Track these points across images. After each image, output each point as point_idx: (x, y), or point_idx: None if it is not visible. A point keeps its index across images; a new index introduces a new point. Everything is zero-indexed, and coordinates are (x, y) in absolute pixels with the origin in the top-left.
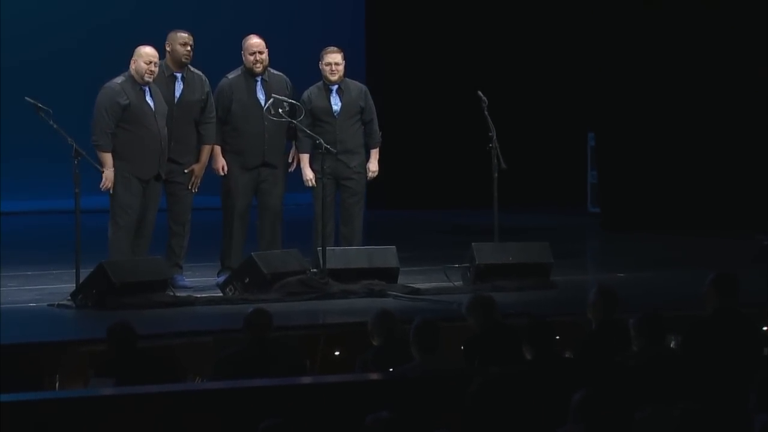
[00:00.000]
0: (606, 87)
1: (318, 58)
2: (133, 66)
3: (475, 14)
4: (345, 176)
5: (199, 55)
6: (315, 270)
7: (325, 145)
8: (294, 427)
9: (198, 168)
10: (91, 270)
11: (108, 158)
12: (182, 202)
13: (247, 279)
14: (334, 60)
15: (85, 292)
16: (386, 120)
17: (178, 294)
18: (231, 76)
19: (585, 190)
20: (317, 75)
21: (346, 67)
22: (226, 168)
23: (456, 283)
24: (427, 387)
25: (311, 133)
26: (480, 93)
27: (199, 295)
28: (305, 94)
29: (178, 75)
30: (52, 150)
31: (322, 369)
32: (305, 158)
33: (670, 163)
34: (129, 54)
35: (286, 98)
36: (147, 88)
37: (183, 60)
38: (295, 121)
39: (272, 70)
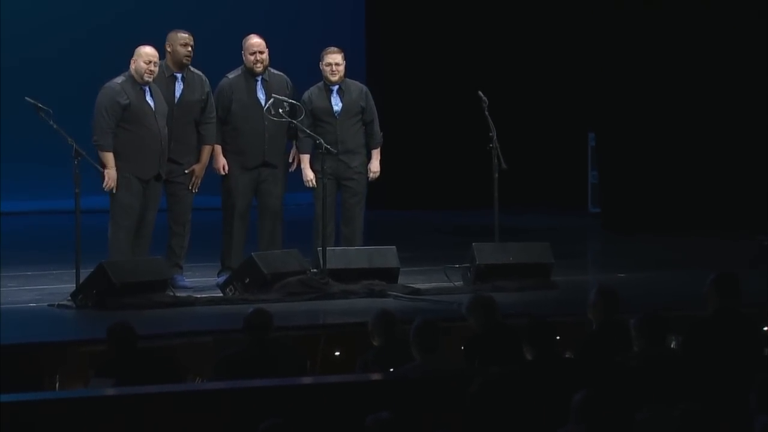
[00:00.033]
0: (606, 87)
1: (318, 58)
2: (133, 66)
3: (476, 14)
4: (346, 176)
5: (198, 55)
6: (315, 270)
7: (325, 145)
8: (294, 427)
9: (198, 168)
10: (92, 270)
11: (110, 158)
12: (182, 202)
13: (248, 279)
14: (334, 60)
15: (86, 292)
16: (386, 120)
17: (178, 294)
18: (231, 75)
19: (586, 191)
20: (317, 75)
21: (346, 68)
22: (226, 167)
23: (456, 284)
24: (427, 387)
25: (311, 133)
26: (480, 93)
27: (199, 296)
28: (306, 94)
29: (178, 75)
30: (52, 150)
31: (322, 369)
32: (306, 159)
33: (670, 164)
34: (129, 54)
35: (286, 98)
36: (147, 88)
37: (184, 61)
38: (295, 122)
39: (272, 70)
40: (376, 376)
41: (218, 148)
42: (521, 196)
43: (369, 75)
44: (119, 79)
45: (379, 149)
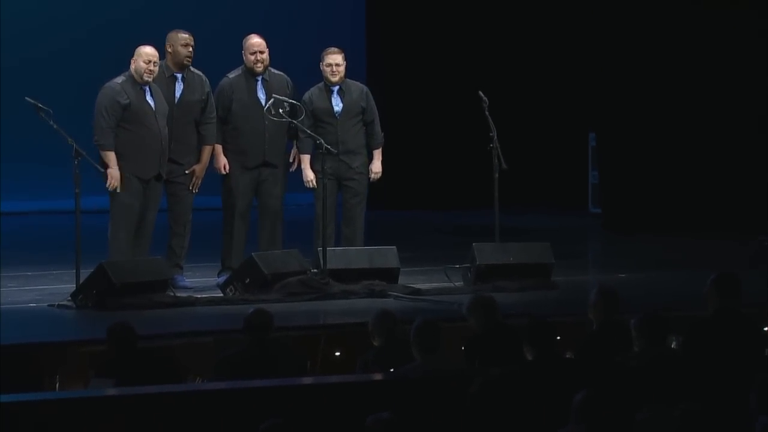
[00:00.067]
0: (607, 87)
1: (318, 58)
2: (133, 66)
3: (476, 14)
4: (347, 177)
5: (199, 55)
6: (315, 270)
7: (325, 145)
8: (294, 427)
9: (199, 168)
10: (92, 270)
11: (112, 157)
12: (183, 202)
13: (248, 279)
14: (334, 61)
15: (86, 292)
16: (387, 120)
17: (178, 294)
18: (232, 75)
19: (586, 191)
20: (317, 75)
21: (347, 68)
22: (227, 167)
23: (457, 284)
24: (427, 388)
25: (312, 133)
26: (481, 93)
27: (199, 296)
28: (306, 95)
29: (179, 75)
30: (52, 150)
31: (322, 369)
32: (306, 159)
33: (671, 164)
34: (129, 54)
35: (286, 98)
36: (147, 88)
37: (185, 62)
38: (295, 122)
39: (273, 70)
40: (376, 377)
41: (219, 148)
42: (522, 197)
43: (369, 75)
44: (119, 79)
45: (380, 149)
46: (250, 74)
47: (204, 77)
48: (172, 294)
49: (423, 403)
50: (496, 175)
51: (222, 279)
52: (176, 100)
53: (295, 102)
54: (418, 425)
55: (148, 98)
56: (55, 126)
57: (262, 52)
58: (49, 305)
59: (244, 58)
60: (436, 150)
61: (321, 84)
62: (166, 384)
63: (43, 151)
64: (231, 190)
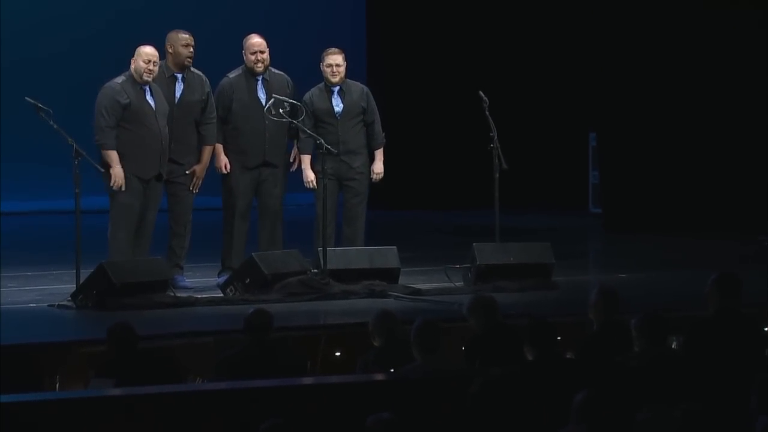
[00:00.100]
0: (607, 87)
1: (318, 58)
2: (133, 65)
3: (477, 14)
4: (348, 177)
5: (199, 55)
6: (316, 270)
7: (326, 145)
8: (295, 428)
9: (199, 169)
10: (92, 270)
11: (114, 156)
12: (183, 202)
13: (248, 279)
14: (335, 61)
15: (86, 292)
16: (387, 120)
17: (178, 294)
18: (232, 75)
19: (586, 191)
20: (317, 75)
21: (347, 68)
22: (228, 166)
23: (457, 284)
24: (428, 388)
25: (312, 133)
26: (481, 93)
27: (199, 296)
28: (307, 95)
29: (179, 75)
30: (52, 150)
31: (322, 370)
32: (306, 159)
33: (671, 164)
34: (129, 54)
35: (286, 98)
36: (147, 88)
37: (186, 62)
38: (295, 122)
39: (273, 70)
40: (376, 377)
41: (219, 147)
42: (522, 197)
43: (369, 75)
44: (119, 79)
45: (381, 150)
46: (251, 74)
47: (204, 77)
48: (172, 294)
49: (423, 403)
50: (497, 175)
51: (222, 279)
52: (176, 101)
53: (295, 102)
54: (419, 426)
55: (148, 98)
56: (55, 126)
57: (262, 52)
58: (49, 305)
59: (244, 57)
60: (436, 150)
61: (321, 84)
62: (166, 384)
63: (43, 151)
64: (231, 190)
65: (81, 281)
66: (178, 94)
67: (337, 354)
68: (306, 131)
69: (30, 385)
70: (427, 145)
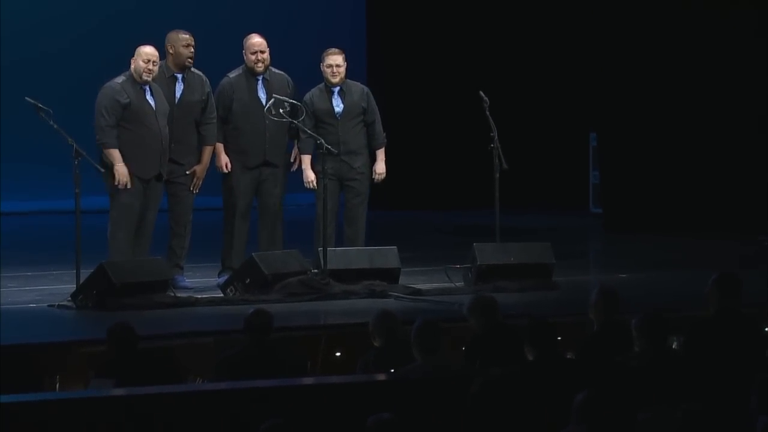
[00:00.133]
0: (608, 87)
1: (318, 58)
2: (132, 65)
3: (477, 14)
4: (348, 177)
5: (199, 55)
6: (316, 270)
7: (326, 145)
8: (295, 428)
9: (200, 169)
10: (92, 270)
11: (116, 154)
12: (183, 202)
13: (248, 279)
14: (335, 62)
15: (86, 292)
16: (387, 120)
17: (178, 295)
18: (232, 75)
19: (587, 191)
20: (317, 75)
21: (347, 69)
22: (229, 165)
23: (457, 284)
24: (428, 388)
25: (313, 133)
26: (481, 93)
27: (199, 296)
28: (307, 96)
29: (179, 76)
30: (52, 150)
31: (323, 370)
32: (307, 159)
33: (672, 164)
34: (129, 54)
35: (286, 98)
36: (147, 88)
37: (187, 63)
38: (296, 122)
39: (274, 69)
40: (377, 377)
41: (220, 147)
42: (522, 197)
43: (370, 75)
44: (119, 79)
45: (383, 149)
46: (251, 74)
47: (204, 77)
48: (172, 294)
49: (424, 403)
50: (497, 175)
51: (222, 279)
52: (176, 101)
53: (295, 102)
54: (419, 426)
55: (149, 98)
56: (55, 126)
57: (262, 52)
58: (49, 305)
59: (244, 57)
60: (436, 150)
61: (321, 85)
62: (166, 384)
63: (43, 151)
64: (232, 189)
65: (81, 281)
66: (178, 95)
67: (338, 354)
68: (306, 131)
69: (30, 385)
70: (427, 145)
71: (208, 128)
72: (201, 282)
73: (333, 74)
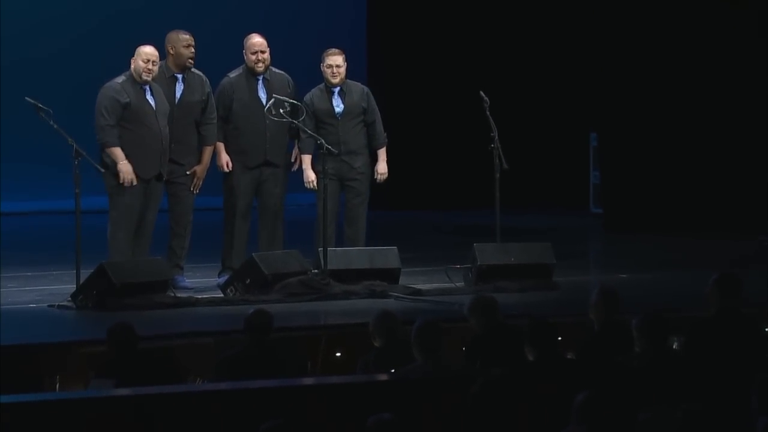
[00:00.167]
0: (608, 87)
1: (318, 58)
2: (132, 65)
3: (477, 14)
4: (349, 177)
5: (199, 55)
6: (316, 271)
7: (326, 145)
8: (295, 428)
9: (200, 169)
10: (92, 271)
11: (119, 152)
12: (183, 202)
13: (248, 280)
14: (335, 62)
15: (86, 292)
16: (388, 121)
17: (178, 295)
18: (232, 75)
19: (587, 191)
20: (318, 75)
21: (347, 69)
22: (230, 164)
23: (458, 284)
24: (428, 388)
25: (313, 133)
26: (482, 93)
27: (199, 296)
28: (307, 96)
29: (179, 76)
30: (53, 150)
31: (323, 370)
32: (307, 159)
33: (672, 164)
34: (129, 54)
35: (287, 98)
36: (148, 87)
37: (188, 64)
38: (296, 122)
39: (274, 69)
40: (377, 377)
41: (220, 146)
42: (523, 197)
43: (370, 75)
44: (120, 79)
45: (384, 149)
46: (251, 74)
47: (204, 77)
48: (172, 294)
49: (424, 403)
50: (497, 175)
51: (222, 279)
52: (176, 101)
53: (296, 102)
54: (420, 426)
55: (149, 97)
56: (55, 126)
57: (263, 52)
58: (49, 306)
59: (245, 57)
60: (437, 150)
61: (322, 85)
62: (166, 385)
63: (43, 151)
64: (232, 189)
65: (81, 281)
66: (178, 95)
67: (338, 354)
68: (306, 131)
69: (30, 385)
70: (427, 145)
71: (208, 128)
72: (201, 282)
73: (333, 74)
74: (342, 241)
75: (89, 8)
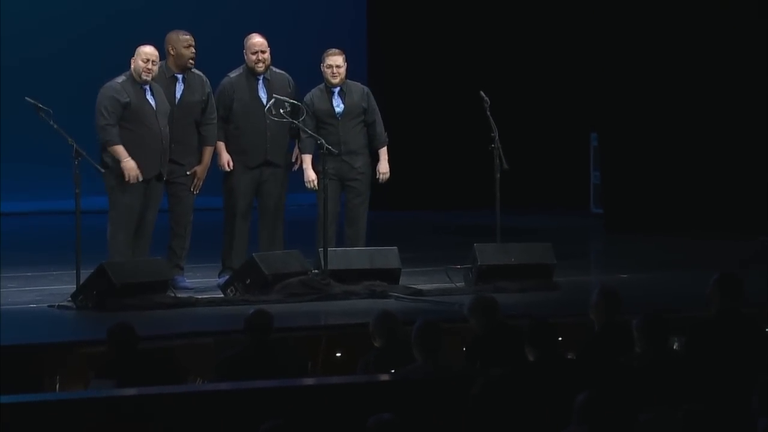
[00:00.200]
0: (609, 87)
1: (319, 58)
2: (132, 65)
3: (477, 14)
4: (349, 177)
5: (199, 55)
6: (316, 271)
7: (326, 145)
8: (295, 428)
9: (200, 170)
10: (92, 271)
11: (121, 150)
12: (183, 203)
13: (248, 280)
14: (335, 62)
15: (86, 293)
16: (388, 121)
17: (178, 295)
18: (233, 75)
19: (588, 191)
20: (318, 75)
21: (347, 69)
22: (231, 163)
23: (458, 284)
24: (429, 388)
25: (313, 133)
26: (482, 93)
27: (200, 296)
28: (307, 96)
29: (179, 76)
30: (53, 150)
31: (323, 370)
32: (308, 159)
33: (673, 164)
34: (129, 54)
35: (287, 98)
36: (148, 87)
37: (188, 64)
38: (296, 122)
39: (275, 69)
40: (377, 378)
41: (221, 145)
42: (523, 197)
43: (370, 75)
44: (120, 79)
45: (385, 149)
46: (252, 74)
47: (204, 78)
48: (172, 295)
49: (424, 404)
50: (498, 176)
51: (222, 279)
52: (177, 101)
53: (296, 102)
54: (420, 426)
55: (149, 97)
56: (55, 126)
57: (263, 52)
58: (49, 306)
59: (245, 57)
60: (437, 150)
61: (322, 85)
62: (166, 385)
63: (43, 151)
64: (232, 190)
65: (81, 282)
66: (178, 95)
67: (338, 355)
68: (307, 131)
69: (30, 386)
70: (427, 145)
71: (208, 129)
72: (201, 282)
73: (333, 75)
74: (342, 241)
75: (89, 8)
